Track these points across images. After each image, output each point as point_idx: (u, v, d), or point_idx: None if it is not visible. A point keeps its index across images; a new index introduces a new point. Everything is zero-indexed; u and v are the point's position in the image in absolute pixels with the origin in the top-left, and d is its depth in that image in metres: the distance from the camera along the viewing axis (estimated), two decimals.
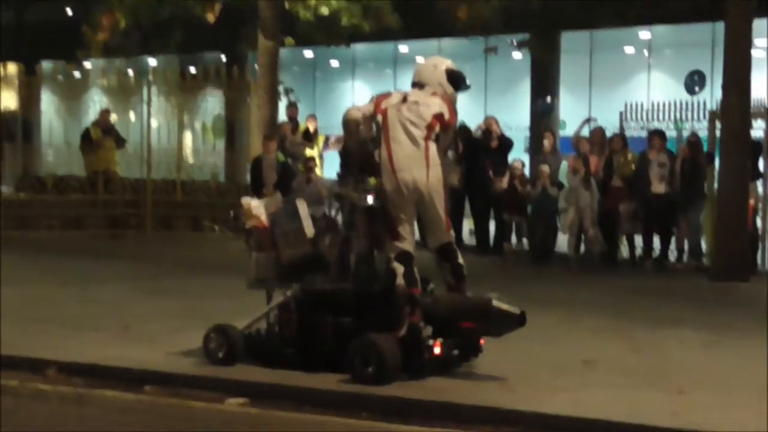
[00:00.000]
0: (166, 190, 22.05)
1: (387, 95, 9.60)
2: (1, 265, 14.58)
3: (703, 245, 17.39)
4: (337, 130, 25.00)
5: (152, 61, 32.49)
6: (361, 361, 8.79)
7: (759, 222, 17.04)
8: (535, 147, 23.74)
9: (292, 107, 22.02)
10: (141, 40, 25.34)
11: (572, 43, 25.62)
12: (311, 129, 21.48)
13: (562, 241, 17.96)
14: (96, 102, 26.05)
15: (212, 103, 24.02)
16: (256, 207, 9.74)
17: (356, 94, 33.01)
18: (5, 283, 12.96)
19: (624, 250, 17.85)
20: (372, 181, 9.74)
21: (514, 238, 18.43)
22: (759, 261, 16.89)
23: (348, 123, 9.58)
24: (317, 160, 20.34)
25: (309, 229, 9.43)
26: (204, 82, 23.78)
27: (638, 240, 17.67)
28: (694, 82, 21.02)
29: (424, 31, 24.86)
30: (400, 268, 9.06)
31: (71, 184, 21.65)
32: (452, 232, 9.69)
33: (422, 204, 9.21)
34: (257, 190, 19.65)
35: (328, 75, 32.94)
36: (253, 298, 10.82)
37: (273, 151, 19.48)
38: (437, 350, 8.99)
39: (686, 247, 17.38)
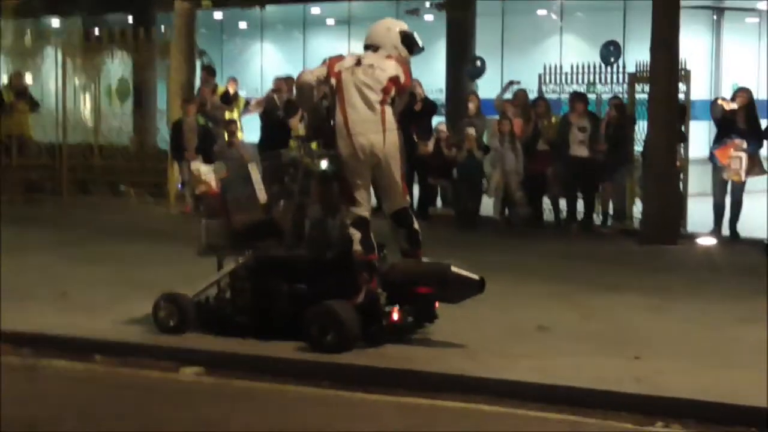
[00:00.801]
0: (83, 154, 21.57)
1: (340, 58, 9.37)
2: None
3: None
4: (252, 94, 24.97)
5: (56, 23, 31.63)
6: (318, 329, 8.67)
7: (681, 185, 17.14)
8: (452, 110, 23.59)
9: (208, 69, 21.53)
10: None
11: (485, 6, 25.47)
12: (231, 92, 21.15)
13: (487, 205, 17.89)
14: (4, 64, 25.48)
15: (118, 65, 23.64)
16: (206, 172, 9.52)
17: (265, 57, 32.59)
18: None
19: (549, 214, 17.86)
20: (314, 145, 9.58)
21: (439, 203, 18.34)
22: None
23: (301, 87, 9.39)
24: (238, 124, 20.03)
25: (262, 195, 9.22)
26: (109, 44, 23.31)
27: (563, 204, 17.71)
28: (610, 52, 20.89)
29: None
30: (356, 234, 8.94)
31: None
32: (408, 198, 9.52)
33: (379, 169, 9.08)
34: (178, 155, 19.36)
35: (236, 37, 32.39)
36: (189, 264, 10.65)
37: (193, 115, 19.22)
38: (395, 317, 8.90)
39: (611, 210, 17.47)
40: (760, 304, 10.82)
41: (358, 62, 9.15)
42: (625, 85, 18.41)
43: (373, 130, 8.98)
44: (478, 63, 23.78)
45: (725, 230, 16.21)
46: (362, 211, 9.03)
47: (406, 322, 9.06)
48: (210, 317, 9.27)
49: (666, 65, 15.60)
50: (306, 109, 9.85)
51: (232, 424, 7.25)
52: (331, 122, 9.17)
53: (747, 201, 16.33)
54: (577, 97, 17.70)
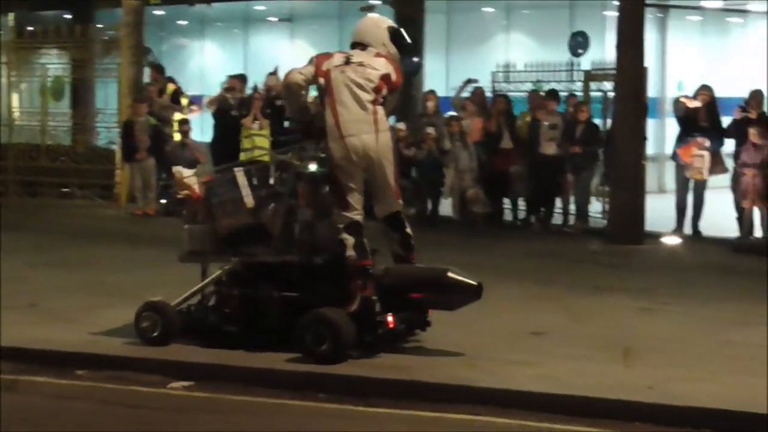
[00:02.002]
0: (29, 155, 21.07)
1: (328, 56, 9.00)
2: None
3: None
4: (192, 91, 24.55)
5: None
6: (313, 339, 8.31)
7: None
8: (403, 107, 23.34)
9: (157, 68, 21.06)
10: None
11: (431, 4, 25.27)
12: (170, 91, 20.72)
13: (446, 205, 17.76)
14: None
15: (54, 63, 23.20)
16: (188, 176, 9.16)
17: (205, 55, 32.17)
18: None
19: (508, 213, 17.71)
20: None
21: None
22: None
23: (290, 87, 8.98)
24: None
25: (249, 199, 8.84)
26: (44, 40, 22.92)
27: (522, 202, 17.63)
28: (578, 43, 20.86)
29: None
30: (350, 240, 8.61)
31: None
32: (401, 201, 9.17)
33: (371, 170, 8.76)
34: (129, 155, 18.92)
35: (175, 34, 31.93)
36: (159, 268, 10.32)
37: (143, 114, 18.84)
38: (391, 324, 8.56)
39: (573, 209, 17.34)
40: (746, 306, 10.85)
41: (347, 61, 8.82)
42: (580, 84, 18.38)
43: (366, 130, 8.65)
44: (415, 59, 23.57)
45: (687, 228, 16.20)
46: (355, 215, 8.69)
47: (399, 329, 8.73)
48: (195, 327, 8.90)
49: (633, 63, 15.45)
50: (294, 109, 9.44)
51: None
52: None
53: (708, 198, 16.30)
54: (551, 95, 17.57)
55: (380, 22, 9.23)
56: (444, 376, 8.04)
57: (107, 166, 20.61)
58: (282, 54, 27.95)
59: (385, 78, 8.78)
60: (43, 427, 7.13)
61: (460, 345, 8.76)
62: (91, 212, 18.70)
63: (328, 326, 8.28)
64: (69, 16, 28.13)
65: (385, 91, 8.80)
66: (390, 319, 8.55)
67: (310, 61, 9.01)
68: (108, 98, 23.16)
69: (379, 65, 8.80)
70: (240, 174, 8.98)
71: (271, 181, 8.99)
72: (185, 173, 9.26)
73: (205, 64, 31.72)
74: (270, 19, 30.71)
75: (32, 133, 21.76)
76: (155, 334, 8.75)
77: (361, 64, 8.77)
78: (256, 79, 20.06)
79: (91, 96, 24.38)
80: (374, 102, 8.72)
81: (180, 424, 7.33)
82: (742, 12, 26.29)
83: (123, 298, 10.06)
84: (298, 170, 8.93)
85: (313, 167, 8.90)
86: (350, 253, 8.57)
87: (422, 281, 8.71)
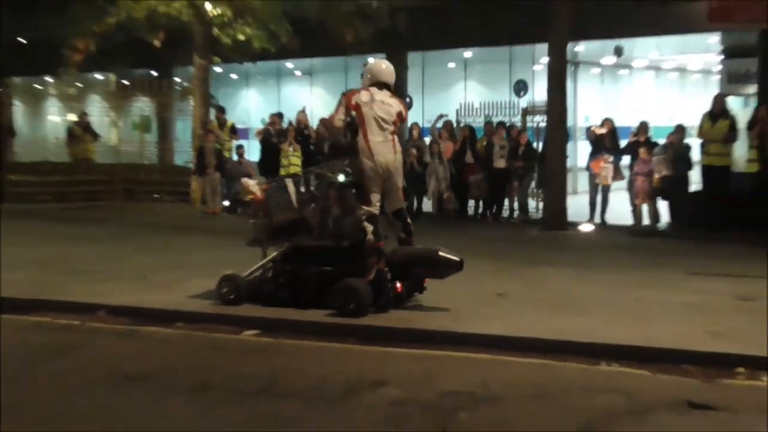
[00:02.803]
0: (130, 171, 20.94)
1: (355, 92, 8.69)
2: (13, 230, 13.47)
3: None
4: (241, 125, 24.36)
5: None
6: (342, 300, 8.17)
7: None
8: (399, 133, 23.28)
9: (220, 110, 20.90)
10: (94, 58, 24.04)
11: (411, 58, 25.14)
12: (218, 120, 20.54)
13: (426, 204, 17.65)
14: (57, 108, 24.78)
15: (142, 106, 23.07)
16: (252, 185, 8.99)
17: (250, 99, 31.97)
18: (35, 244, 11.84)
19: (470, 209, 17.57)
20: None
21: None
22: None
23: (332, 128, 8.65)
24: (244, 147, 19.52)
25: (295, 201, 8.71)
26: (137, 91, 22.81)
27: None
28: (520, 87, 20.79)
29: (308, 51, 23.75)
30: (370, 227, 8.44)
31: (59, 167, 20.43)
32: (404, 201, 9.01)
33: (389, 179, 8.59)
34: (201, 170, 18.77)
35: (230, 85, 31.71)
36: (226, 251, 10.13)
37: (211, 142, 18.68)
38: (399, 289, 8.45)
39: (516, 206, 17.23)
40: (643, 273, 10.77)
41: (372, 98, 8.57)
42: (519, 117, 18.30)
43: (388, 151, 8.52)
44: (408, 99, 23.44)
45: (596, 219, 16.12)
46: (374, 209, 8.55)
47: (404, 293, 8.59)
48: (259, 292, 8.73)
49: (558, 102, 15.32)
50: (332, 140, 9.20)
51: (286, 372, 6.74)
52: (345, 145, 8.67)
53: (611, 197, 16.23)
54: (501, 125, 17.46)
55: (391, 67, 8.90)
56: (436, 325, 7.91)
57: (184, 179, 20.43)
58: (305, 97, 27.87)
59: (399, 115, 8.62)
60: (153, 363, 6.96)
61: (446, 304, 8.63)
62: (173, 212, 18.48)
63: (353, 291, 8.15)
64: (155, 73, 27.94)
65: (398, 124, 8.66)
66: (398, 285, 8.43)
67: (340, 102, 8.71)
68: (184, 130, 23.02)
69: (395, 104, 8.62)
70: (289, 182, 8.85)
71: (311, 187, 8.86)
72: (250, 183, 9.06)
73: (250, 106, 31.53)
74: (296, 72, 30.53)
75: (131, 156, 21.65)
76: (231, 297, 8.61)
77: (383, 102, 8.56)
78: (289, 116, 19.94)
79: (172, 129, 24.30)
80: (393, 132, 8.59)
81: (249, 361, 7.16)
82: (629, 67, 26.26)
83: (204, 271, 9.85)
84: (330, 180, 8.78)
85: (340, 177, 8.74)
86: (369, 237, 8.41)
87: (420, 258, 8.54)
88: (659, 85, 27.46)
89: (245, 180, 9.21)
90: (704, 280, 10.13)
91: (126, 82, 24.55)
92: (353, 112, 8.53)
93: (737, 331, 7.55)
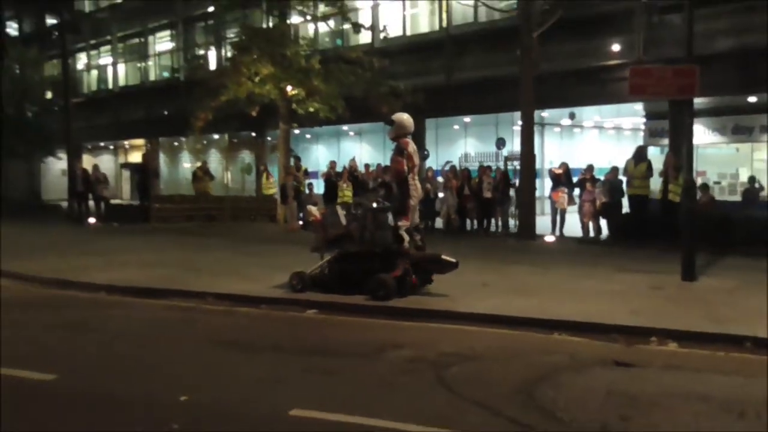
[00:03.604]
0: (235, 200, 21.12)
1: (407, 141, 8.34)
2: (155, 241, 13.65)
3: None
4: (312, 169, 24.45)
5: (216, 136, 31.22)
6: (376, 288, 8.16)
7: None
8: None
9: (297, 159, 21.00)
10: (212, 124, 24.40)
11: (428, 123, 24.96)
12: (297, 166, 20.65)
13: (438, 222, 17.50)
14: (187, 158, 25.01)
15: (245, 156, 23.30)
16: (314, 210, 9.03)
17: (319, 153, 32.07)
18: (170, 249, 12.05)
19: (468, 226, 17.43)
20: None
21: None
22: None
23: (399, 173, 8.36)
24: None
25: (343, 221, 8.70)
26: (241, 146, 23.00)
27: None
28: (501, 143, 20.62)
29: (357, 119, 23.79)
30: (407, 237, 8.36)
31: (187, 198, 20.69)
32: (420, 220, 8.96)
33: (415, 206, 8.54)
34: (284, 200, 18.85)
35: (304, 141, 31.89)
36: (300, 256, 10.06)
37: (291, 180, 18.72)
38: (414, 281, 8.42)
39: (500, 223, 17.06)
40: (587, 269, 10.55)
41: (415, 149, 8.43)
42: (502, 162, 18.17)
43: (419, 188, 8.57)
44: (426, 152, 23.35)
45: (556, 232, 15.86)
46: (408, 225, 8.46)
47: (418, 284, 8.55)
48: (318, 284, 8.73)
49: (528, 152, 15.20)
50: (392, 180, 8.77)
51: (335, 338, 6.76)
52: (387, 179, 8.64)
53: (567, 218, 15.95)
54: (488, 168, 17.32)
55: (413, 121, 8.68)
56: (440, 306, 7.86)
57: (272, 205, 20.52)
58: (355, 150, 27.82)
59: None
60: (244, 333, 6.99)
61: (447, 291, 8.56)
62: (264, 229, 18.54)
63: (383, 283, 8.15)
64: (253, 134, 28.23)
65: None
66: (414, 278, 8.39)
67: (401, 153, 8.30)
68: (273, 173, 23.09)
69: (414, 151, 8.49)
70: (338, 208, 8.88)
71: (354, 211, 8.88)
72: (313, 209, 9.11)
73: (318, 156, 31.58)
74: (350, 133, 30.58)
75: (236, 190, 21.83)
76: (299, 287, 8.62)
77: (416, 150, 8.50)
78: (344, 162, 19.97)
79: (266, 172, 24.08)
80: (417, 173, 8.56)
81: (311, 331, 7.16)
82: (581, 126, 25.98)
83: (281, 270, 9.75)
84: (367, 206, 8.69)
85: (375, 204, 8.67)
86: (405, 244, 8.29)
87: (430, 260, 8.53)
88: (601, 139, 27.00)
89: (309, 207, 9.28)
90: (628, 274, 9.96)
91: (234, 140, 24.88)
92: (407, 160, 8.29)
93: (651, 311, 7.45)
